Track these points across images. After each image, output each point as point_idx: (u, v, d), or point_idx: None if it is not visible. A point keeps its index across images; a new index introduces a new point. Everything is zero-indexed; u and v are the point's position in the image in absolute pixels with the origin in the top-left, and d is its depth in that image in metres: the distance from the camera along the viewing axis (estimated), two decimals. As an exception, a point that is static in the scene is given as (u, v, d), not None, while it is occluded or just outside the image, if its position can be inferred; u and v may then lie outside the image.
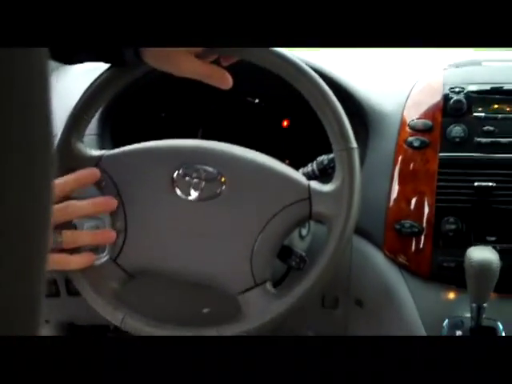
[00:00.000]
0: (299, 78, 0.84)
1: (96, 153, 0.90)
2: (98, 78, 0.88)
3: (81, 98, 0.89)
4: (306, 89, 0.83)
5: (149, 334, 0.86)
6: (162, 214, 0.87)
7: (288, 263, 0.89)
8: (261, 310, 0.83)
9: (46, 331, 1.36)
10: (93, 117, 0.90)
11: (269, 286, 0.85)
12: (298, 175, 0.86)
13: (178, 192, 0.86)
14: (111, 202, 0.86)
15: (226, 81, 0.85)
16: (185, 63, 0.84)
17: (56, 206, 0.80)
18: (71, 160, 0.88)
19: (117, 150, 0.90)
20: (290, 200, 0.83)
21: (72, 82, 1.20)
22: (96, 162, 0.88)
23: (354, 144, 0.83)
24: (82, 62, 0.91)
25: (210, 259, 0.86)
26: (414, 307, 1.02)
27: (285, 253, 0.88)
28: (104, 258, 0.89)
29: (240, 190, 0.85)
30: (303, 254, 0.88)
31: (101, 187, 0.88)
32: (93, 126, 1.16)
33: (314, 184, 0.84)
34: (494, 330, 0.94)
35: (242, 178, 0.85)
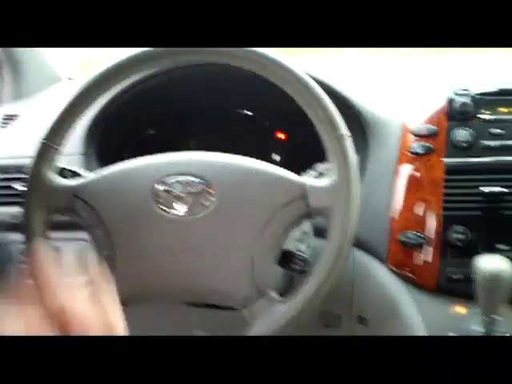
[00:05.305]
0: (282, 74, 0.80)
1: (71, 182, 0.85)
2: (64, 104, 0.84)
3: (47, 128, 0.84)
4: (288, 82, 0.79)
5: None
6: (150, 235, 0.82)
7: (291, 268, 0.84)
8: (268, 320, 0.79)
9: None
10: (63, 145, 0.86)
11: (273, 294, 0.81)
12: (290, 174, 0.82)
13: (165, 209, 0.82)
14: None
15: None
16: None
17: None
18: (45, 193, 0.83)
19: (93, 177, 0.85)
20: (286, 199, 0.79)
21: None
22: (72, 192, 0.84)
23: (345, 131, 0.78)
24: None
25: (209, 276, 0.81)
26: (421, 323, 0.97)
27: (286, 258, 0.83)
28: None
29: (230, 198, 0.81)
30: (306, 255, 0.83)
31: (82, 218, 0.83)
32: (77, 144, 1.14)
33: (309, 180, 0.80)
34: (508, 345, 0.89)
35: (231, 185, 0.81)
